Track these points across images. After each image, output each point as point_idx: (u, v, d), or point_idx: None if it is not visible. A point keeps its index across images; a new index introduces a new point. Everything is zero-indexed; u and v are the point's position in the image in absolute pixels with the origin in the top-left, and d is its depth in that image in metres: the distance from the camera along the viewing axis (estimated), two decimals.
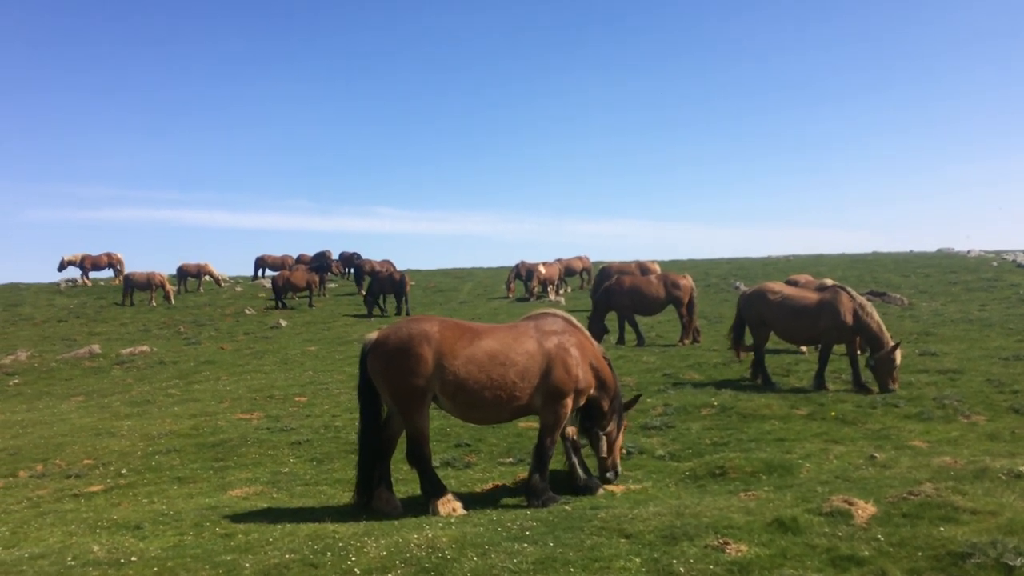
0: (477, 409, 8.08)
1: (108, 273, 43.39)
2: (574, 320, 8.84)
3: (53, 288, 41.66)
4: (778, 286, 15.68)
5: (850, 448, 10.14)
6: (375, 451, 8.21)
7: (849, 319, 13.99)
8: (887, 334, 13.85)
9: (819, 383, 14.01)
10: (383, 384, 8.01)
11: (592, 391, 8.54)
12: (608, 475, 8.86)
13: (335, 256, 45.65)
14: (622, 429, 9.09)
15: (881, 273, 39.78)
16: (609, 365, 8.81)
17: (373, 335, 8.30)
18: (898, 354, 13.50)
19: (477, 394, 7.91)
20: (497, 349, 8.03)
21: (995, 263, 41.72)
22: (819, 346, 14.99)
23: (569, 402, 8.29)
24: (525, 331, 8.35)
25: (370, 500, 8.14)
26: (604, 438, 8.74)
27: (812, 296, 14.74)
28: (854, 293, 14.39)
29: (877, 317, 14.02)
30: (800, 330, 14.94)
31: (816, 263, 44.91)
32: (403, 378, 7.82)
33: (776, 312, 14.89)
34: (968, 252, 48.71)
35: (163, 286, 36.57)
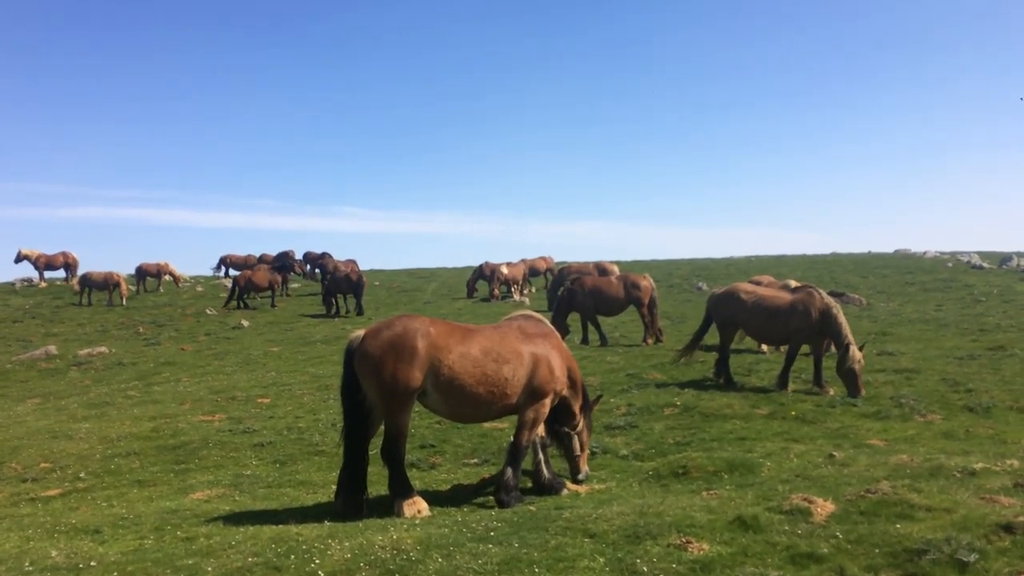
0: (469, 405, 8.03)
1: (63, 273, 42.43)
2: (548, 322, 8.97)
3: (8, 288, 40.73)
4: (750, 287, 15.84)
5: (810, 447, 10.30)
6: (362, 452, 8.10)
7: (819, 319, 14.16)
8: (850, 334, 14.03)
9: (783, 382, 14.19)
10: (372, 380, 7.80)
11: (564, 392, 8.68)
12: (579, 476, 8.98)
13: (298, 256, 45.25)
14: (590, 430, 9.21)
15: (840, 274, 40.48)
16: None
17: (360, 332, 8.18)
18: (855, 350, 13.53)
19: (471, 389, 7.89)
20: (489, 346, 8.07)
21: (950, 264, 42.68)
22: (783, 346, 15.14)
23: (548, 402, 8.43)
24: (510, 331, 8.44)
25: (362, 504, 8.04)
26: (576, 437, 8.91)
27: (785, 296, 14.89)
28: (824, 294, 14.58)
29: (842, 318, 14.21)
30: (772, 330, 15.07)
31: (777, 264, 45.57)
32: (396, 373, 7.66)
33: (749, 312, 15.01)
34: (924, 253, 49.74)
35: (119, 286, 35.90)
